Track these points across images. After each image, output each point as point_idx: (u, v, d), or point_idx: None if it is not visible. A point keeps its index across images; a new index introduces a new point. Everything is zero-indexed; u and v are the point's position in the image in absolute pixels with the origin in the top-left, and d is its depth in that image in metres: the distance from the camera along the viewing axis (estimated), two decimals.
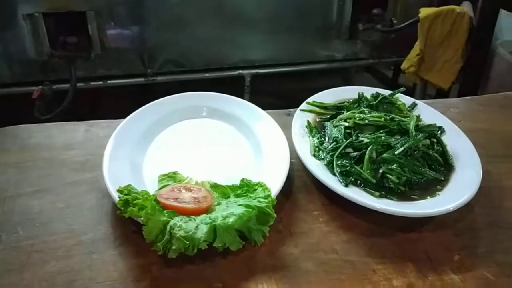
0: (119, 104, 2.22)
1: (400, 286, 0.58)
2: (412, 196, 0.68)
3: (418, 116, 0.82)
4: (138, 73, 2.02)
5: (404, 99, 0.88)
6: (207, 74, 2.09)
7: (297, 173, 0.75)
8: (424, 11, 1.93)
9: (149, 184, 0.70)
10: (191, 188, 0.67)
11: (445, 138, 0.79)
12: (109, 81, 2.00)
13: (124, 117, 0.81)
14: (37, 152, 0.78)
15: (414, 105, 0.87)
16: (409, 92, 1.11)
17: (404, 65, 2.08)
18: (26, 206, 0.68)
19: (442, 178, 0.71)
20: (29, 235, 0.63)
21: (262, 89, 2.16)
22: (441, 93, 2.19)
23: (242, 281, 0.58)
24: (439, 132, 0.80)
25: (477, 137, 0.81)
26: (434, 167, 0.73)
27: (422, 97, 2.20)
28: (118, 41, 1.96)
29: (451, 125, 0.82)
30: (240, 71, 2.12)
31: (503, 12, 1.83)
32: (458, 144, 0.78)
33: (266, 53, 2.13)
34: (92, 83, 1.98)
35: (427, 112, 0.86)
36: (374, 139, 0.73)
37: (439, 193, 0.69)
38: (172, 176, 0.71)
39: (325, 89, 0.89)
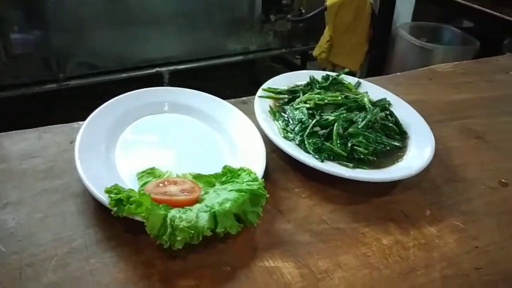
0: (33, 113, 2.09)
1: (389, 244, 0.63)
2: (380, 164, 0.74)
3: (366, 93, 0.89)
4: (49, 79, 1.90)
5: (348, 79, 0.95)
6: (123, 74, 2.04)
7: (268, 155, 0.78)
8: (330, 0, 2.05)
9: (129, 183, 0.69)
10: (176, 181, 0.67)
11: (393, 110, 0.86)
12: (18, 90, 1.87)
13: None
14: None
15: (359, 84, 0.95)
16: None
17: (315, 52, 2.19)
18: None
19: (401, 145, 0.79)
20: (13, 250, 0.59)
21: (181, 85, 2.15)
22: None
23: (248, 261, 0.59)
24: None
25: (415, 107, 0.89)
26: (392, 136, 0.80)
27: None
28: (24, 47, 1.84)
29: (395, 98, 0.90)
30: (158, 69, 2.09)
31: None
32: (405, 114, 0.86)
33: (182, 49, 2.12)
34: None
35: (372, 89, 0.93)
36: (337, 116, 0.78)
37: (403, 158, 0.76)
38: (151, 172, 0.70)
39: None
